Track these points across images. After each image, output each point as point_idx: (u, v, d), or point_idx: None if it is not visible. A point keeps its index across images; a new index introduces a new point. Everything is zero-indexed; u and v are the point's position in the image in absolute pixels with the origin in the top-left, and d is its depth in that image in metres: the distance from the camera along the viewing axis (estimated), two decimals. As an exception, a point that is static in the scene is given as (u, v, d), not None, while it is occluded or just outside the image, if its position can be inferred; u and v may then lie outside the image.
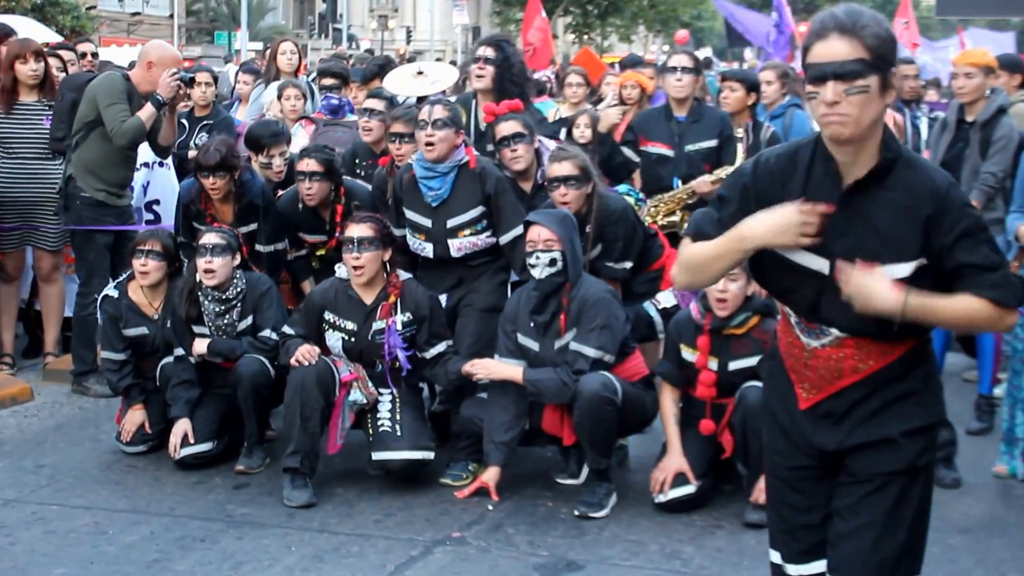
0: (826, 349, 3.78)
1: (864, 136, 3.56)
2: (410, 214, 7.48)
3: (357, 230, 7.05)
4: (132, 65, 11.75)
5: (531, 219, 6.99)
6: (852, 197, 3.63)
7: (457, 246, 7.40)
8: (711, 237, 3.79)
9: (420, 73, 9.85)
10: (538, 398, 6.94)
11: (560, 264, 6.82)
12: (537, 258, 6.82)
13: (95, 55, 12.15)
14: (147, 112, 8.69)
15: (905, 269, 3.58)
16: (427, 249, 7.47)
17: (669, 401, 7.02)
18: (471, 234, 7.38)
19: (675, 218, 8.44)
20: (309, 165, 7.84)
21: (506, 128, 7.59)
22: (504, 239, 7.37)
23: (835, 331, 3.75)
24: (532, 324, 6.97)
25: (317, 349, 7.12)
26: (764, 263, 3.80)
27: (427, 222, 7.42)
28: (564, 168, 7.23)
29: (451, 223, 7.37)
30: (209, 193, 7.85)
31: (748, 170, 3.86)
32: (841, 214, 3.63)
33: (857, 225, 3.63)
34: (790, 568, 4.12)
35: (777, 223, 3.58)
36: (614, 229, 7.38)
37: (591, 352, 6.78)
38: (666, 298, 7.45)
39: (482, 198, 7.34)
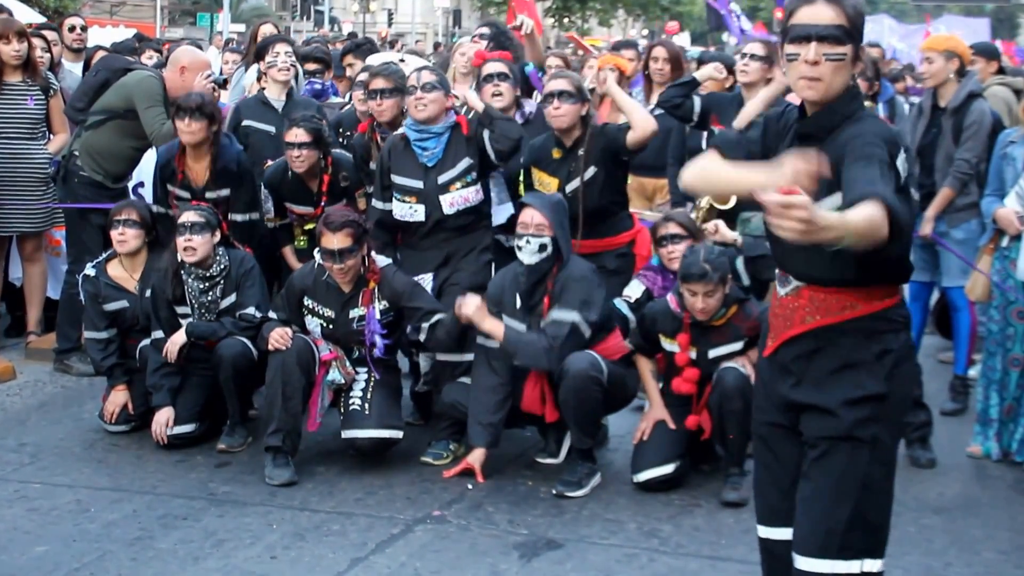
0: (787, 298, 4.00)
1: (830, 100, 3.85)
2: (400, 179, 7.52)
3: (336, 240, 7.00)
4: (123, 44, 11.76)
5: (525, 201, 7.05)
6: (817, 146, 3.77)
7: (449, 201, 7.44)
8: (728, 155, 4.04)
9: (402, 60, 9.95)
10: (512, 359, 6.95)
11: (550, 250, 6.87)
12: (528, 242, 6.86)
13: (84, 28, 12.09)
14: None
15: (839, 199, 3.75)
16: (418, 212, 7.49)
17: (645, 363, 7.12)
18: (462, 187, 7.44)
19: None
20: (298, 136, 7.84)
21: (492, 67, 7.86)
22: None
23: (793, 281, 3.97)
24: (518, 306, 7.01)
25: (290, 331, 7.15)
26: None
27: (419, 183, 7.47)
28: (559, 84, 7.32)
29: (442, 179, 7.43)
30: (184, 138, 7.86)
31: (768, 116, 4.19)
32: None
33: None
34: (761, 529, 4.24)
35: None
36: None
37: (569, 316, 6.80)
38: (635, 289, 7.45)
39: (472, 152, 7.44)
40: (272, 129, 8.72)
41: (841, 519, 3.89)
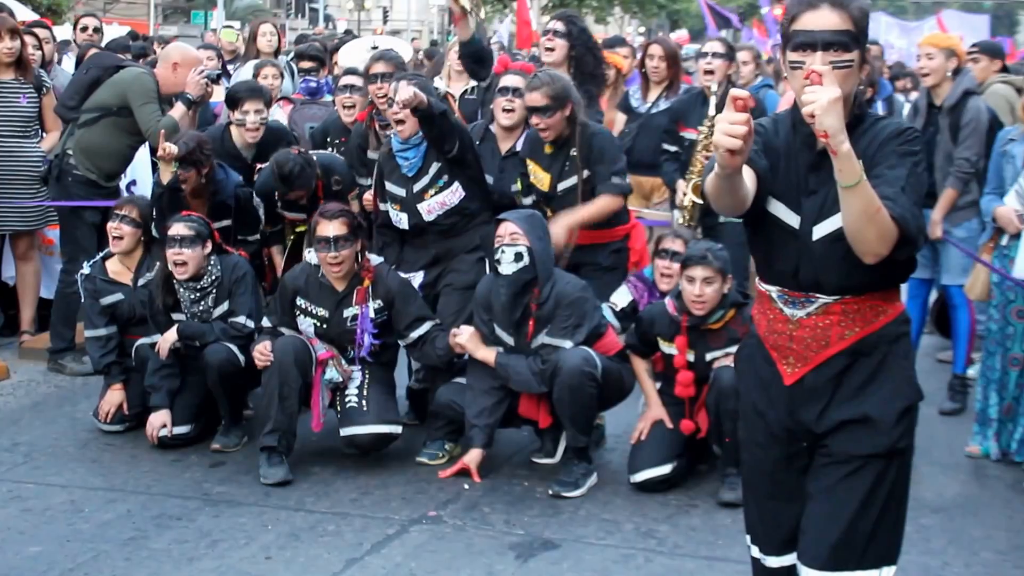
0: (812, 318, 3.78)
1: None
2: (389, 185, 7.54)
3: (332, 228, 7.00)
4: (117, 41, 11.71)
5: (501, 216, 7.02)
6: (824, 158, 3.56)
7: (427, 209, 7.42)
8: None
9: (375, 47, 9.92)
10: (505, 383, 6.96)
11: (527, 259, 6.81)
12: (503, 252, 6.83)
13: (98, 30, 12.07)
14: (179, 111, 8.67)
15: None
16: (403, 220, 7.51)
17: (640, 363, 7.10)
18: (436, 192, 7.41)
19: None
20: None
21: (510, 80, 7.60)
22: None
23: (820, 298, 3.75)
24: (504, 318, 6.98)
25: (269, 344, 7.10)
26: (751, 219, 3.81)
27: (402, 192, 7.48)
28: (535, 99, 7.17)
29: (417, 187, 7.41)
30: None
31: (762, 130, 3.92)
32: (814, 175, 3.71)
33: (826, 183, 3.63)
34: (770, 560, 4.10)
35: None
36: (600, 146, 7.35)
37: (563, 344, 6.81)
38: (622, 297, 7.42)
39: (441, 156, 7.36)
40: (240, 180, 8.52)
41: (864, 531, 3.78)
